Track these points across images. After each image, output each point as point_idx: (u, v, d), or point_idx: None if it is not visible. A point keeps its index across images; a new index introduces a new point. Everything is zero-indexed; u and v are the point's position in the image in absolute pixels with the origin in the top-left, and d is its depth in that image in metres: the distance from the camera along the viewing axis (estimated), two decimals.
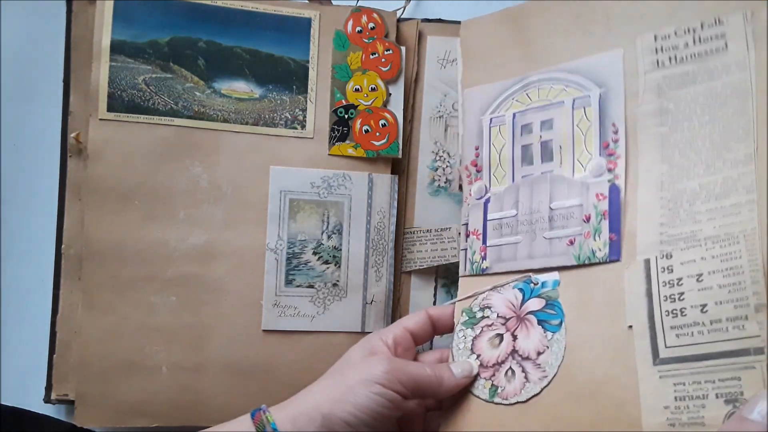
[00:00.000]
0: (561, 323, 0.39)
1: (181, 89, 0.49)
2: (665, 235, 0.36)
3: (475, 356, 0.41)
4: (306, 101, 0.51)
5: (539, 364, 0.38)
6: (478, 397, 0.40)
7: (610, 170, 0.39)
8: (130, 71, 0.49)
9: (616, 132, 0.39)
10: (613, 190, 0.39)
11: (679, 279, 0.35)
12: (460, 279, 0.45)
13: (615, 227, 0.38)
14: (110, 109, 0.48)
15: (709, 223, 0.35)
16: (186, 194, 0.49)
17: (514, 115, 0.44)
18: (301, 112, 0.51)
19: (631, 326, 0.36)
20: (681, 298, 0.34)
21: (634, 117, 0.39)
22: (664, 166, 0.37)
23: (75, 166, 0.49)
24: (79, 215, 0.48)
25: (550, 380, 0.38)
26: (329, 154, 0.50)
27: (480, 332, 0.42)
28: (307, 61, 0.51)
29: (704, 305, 0.33)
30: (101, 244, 0.48)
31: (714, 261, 0.34)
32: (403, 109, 0.51)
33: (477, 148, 0.46)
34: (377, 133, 0.51)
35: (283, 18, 0.51)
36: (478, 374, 0.40)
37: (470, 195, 0.45)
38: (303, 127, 0.50)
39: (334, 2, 0.53)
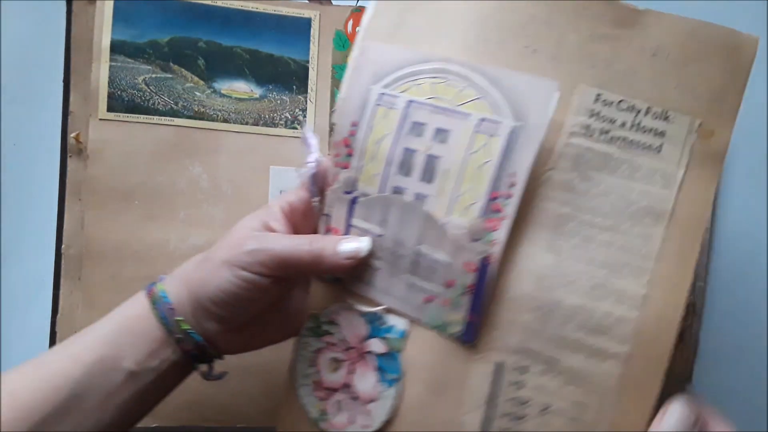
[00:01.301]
0: (397, 381, 0.35)
1: (181, 89, 0.49)
2: (526, 345, 0.33)
3: (313, 369, 0.38)
4: (306, 101, 0.51)
5: (367, 412, 0.36)
6: (308, 413, 0.37)
7: (490, 230, 0.33)
8: (130, 71, 0.49)
9: (511, 185, 0.32)
10: (485, 265, 0.33)
11: (525, 401, 0.33)
12: (312, 279, 0.39)
13: (476, 307, 0.33)
14: (110, 109, 0.48)
15: (573, 356, 0.32)
16: (186, 194, 0.49)
17: (409, 102, 0.35)
18: (301, 112, 0.51)
19: (464, 422, 0.34)
20: (521, 421, 0.33)
21: (538, 177, 0.33)
22: (549, 258, 0.33)
23: (75, 166, 0.49)
24: (79, 215, 0.48)
25: None
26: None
27: (322, 347, 0.38)
28: (307, 61, 0.51)
29: None
30: (101, 244, 0.48)
31: (564, 402, 0.32)
32: None
33: (354, 125, 0.36)
34: None
35: (283, 18, 0.51)
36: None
37: (336, 181, 0.37)
38: (303, 127, 0.50)
39: (334, 2, 0.53)
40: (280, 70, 0.51)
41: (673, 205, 0.32)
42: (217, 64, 0.50)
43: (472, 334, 0.33)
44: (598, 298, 0.32)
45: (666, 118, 0.33)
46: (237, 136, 0.50)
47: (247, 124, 0.50)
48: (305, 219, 0.38)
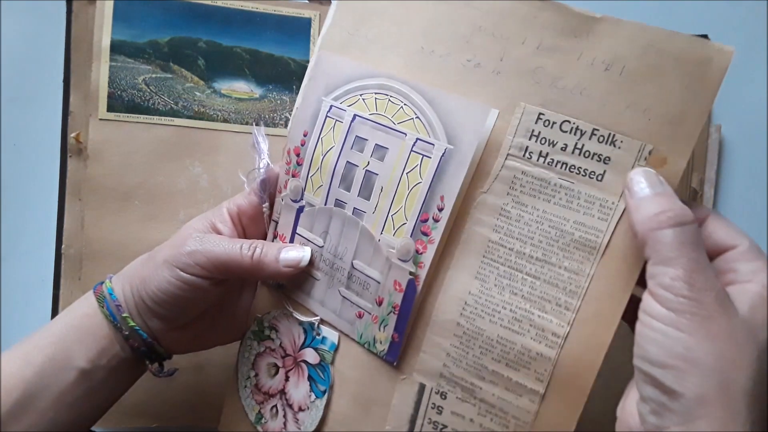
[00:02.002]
0: (325, 392, 0.36)
1: (181, 89, 0.49)
2: (448, 371, 0.33)
3: (254, 373, 0.39)
4: None
5: (297, 420, 0.36)
6: (246, 415, 0.38)
7: (418, 252, 0.33)
8: (130, 71, 0.49)
9: (441, 209, 0.32)
10: (411, 286, 0.33)
11: (444, 426, 0.33)
12: (259, 283, 0.40)
13: (401, 328, 0.33)
14: (110, 109, 0.48)
15: (490, 387, 0.32)
16: (186, 194, 0.49)
17: (354, 117, 0.35)
18: None
19: None
20: None
21: (470, 200, 0.32)
22: (475, 285, 0.32)
23: (75, 166, 0.49)
24: (79, 215, 0.48)
25: None
26: None
27: (263, 351, 0.39)
28: (307, 61, 0.51)
29: None
30: (101, 244, 0.48)
31: (480, 430, 0.32)
32: None
33: (305, 135, 0.37)
34: None
35: (283, 18, 0.51)
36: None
37: (285, 188, 0.38)
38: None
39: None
40: (280, 70, 0.51)
41: (609, 239, 0.30)
42: (217, 64, 0.50)
43: (395, 354, 0.34)
44: (518, 332, 0.31)
45: (612, 143, 0.29)
46: (237, 136, 0.50)
47: (247, 124, 0.50)
48: (254, 223, 0.38)
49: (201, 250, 0.35)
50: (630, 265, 0.29)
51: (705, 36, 0.51)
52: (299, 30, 0.51)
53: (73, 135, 0.48)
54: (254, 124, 0.50)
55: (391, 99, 0.34)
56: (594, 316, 0.30)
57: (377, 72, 0.34)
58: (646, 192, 0.28)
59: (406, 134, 0.33)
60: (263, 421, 0.38)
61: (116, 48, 0.48)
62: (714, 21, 0.51)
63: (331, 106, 0.36)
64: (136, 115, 0.49)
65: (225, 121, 0.50)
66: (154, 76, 0.49)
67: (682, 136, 0.29)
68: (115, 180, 0.48)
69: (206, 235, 0.36)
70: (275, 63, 0.51)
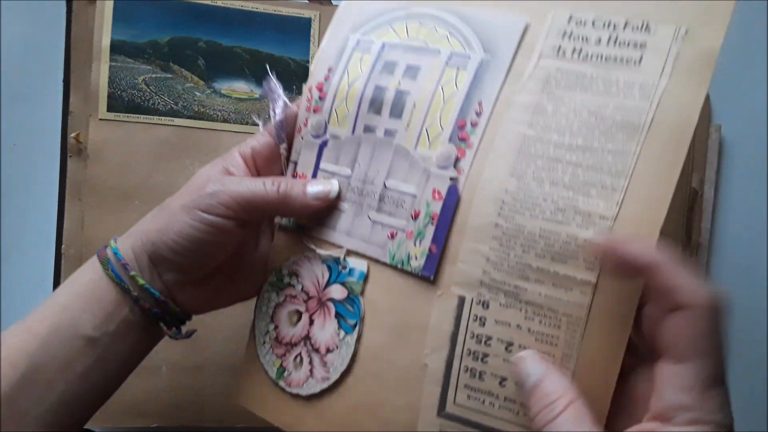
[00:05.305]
0: (356, 326, 0.34)
1: (181, 89, 0.49)
2: (488, 277, 0.31)
3: (273, 326, 0.37)
4: None
5: (325, 363, 0.34)
6: (266, 372, 0.36)
7: (457, 159, 0.32)
8: (130, 71, 0.49)
9: (479, 114, 0.32)
10: (452, 192, 0.32)
11: (489, 338, 0.31)
12: (277, 228, 0.38)
13: (439, 238, 0.32)
14: (110, 109, 0.48)
15: (536, 285, 0.30)
16: None
17: (383, 45, 0.35)
18: None
19: (426, 364, 0.32)
20: (484, 360, 0.31)
21: (506, 101, 0.32)
22: (512, 182, 0.31)
23: (75, 166, 0.49)
24: (79, 215, 0.48)
25: (331, 384, 0.34)
26: None
27: (283, 300, 0.37)
28: (307, 61, 0.51)
29: (504, 379, 0.30)
30: (101, 244, 0.47)
31: (529, 336, 0.30)
32: None
33: (329, 70, 0.37)
34: None
35: (283, 18, 0.51)
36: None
37: (305, 126, 0.37)
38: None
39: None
40: (280, 70, 0.51)
41: (652, 116, 0.29)
42: (217, 64, 0.50)
43: (432, 267, 0.32)
44: (561, 222, 0.29)
45: (647, 30, 0.30)
46: (237, 136, 0.50)
47: (247, 124, 0.50)
48: (269, 164, 0.37)
49: (224, 189, 0.34)
50: (679, 137, 0.29)
51: None
52: (299, 30, 0.51)
53: (73, 135, 0.48)
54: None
55: (422, 23, 0.35)
56: (645, 193, 0.29)
57: (403, 3, 0.36)
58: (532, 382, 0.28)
59: (439, 51, 0.34)
60: (286, 374, 0.36)
61: (116, 48, 0.48)
62: None
63: (357, 41, 0.36)
64: (136, 115, 0.49)
65: (225, 121, 0.50)
66: (154, 76, 0.49)
67: (715, 16, 0.29)
68: (115, 180, 0.48)
69: (226, 176, 0.35)
70: (275, 63, 0.51)
